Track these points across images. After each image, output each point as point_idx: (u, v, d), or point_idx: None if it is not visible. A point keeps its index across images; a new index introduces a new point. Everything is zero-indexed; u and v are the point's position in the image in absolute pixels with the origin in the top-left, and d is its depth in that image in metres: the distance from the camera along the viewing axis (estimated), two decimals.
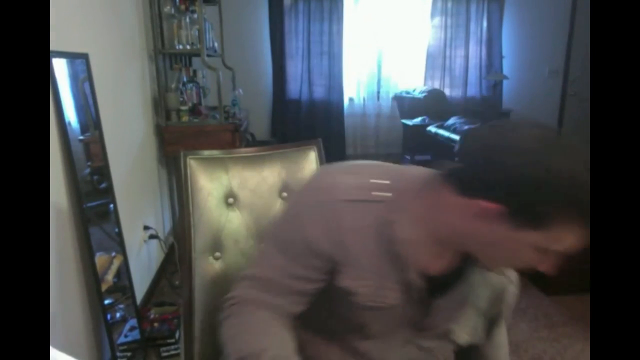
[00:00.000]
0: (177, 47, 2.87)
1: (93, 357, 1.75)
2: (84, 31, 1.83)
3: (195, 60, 3.43)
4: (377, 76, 4.89)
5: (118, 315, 1.93)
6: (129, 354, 1.92)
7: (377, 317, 0.78)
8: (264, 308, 0.77)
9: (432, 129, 4.13)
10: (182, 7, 2.88)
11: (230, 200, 1.13)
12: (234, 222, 1.13)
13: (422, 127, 4.34)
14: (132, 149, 2.42)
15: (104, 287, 1.75)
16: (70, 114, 1.61)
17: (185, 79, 3.06)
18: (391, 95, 4.96)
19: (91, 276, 1.69)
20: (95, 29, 1.96)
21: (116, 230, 1.92)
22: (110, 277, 1.82)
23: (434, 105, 4.47)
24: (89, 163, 1.75)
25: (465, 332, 0.83)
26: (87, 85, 1.77)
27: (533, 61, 5.02)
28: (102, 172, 1.85)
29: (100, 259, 1.73)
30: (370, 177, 0.77)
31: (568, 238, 0.64)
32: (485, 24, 4.86)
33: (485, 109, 4.73)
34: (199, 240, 1.09)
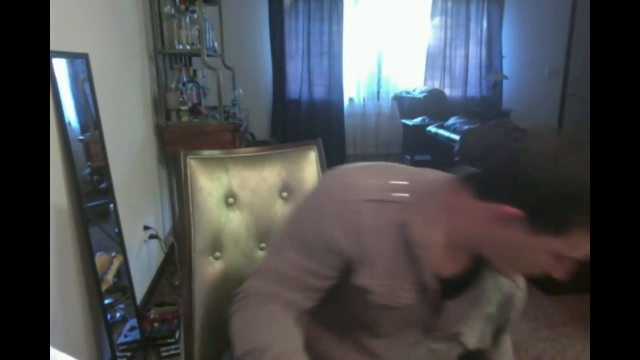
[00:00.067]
0: (177, 47, 2.87)
1: (93, 357, 1.75)
2: (84, 31, 1.83)
3: (195, 60, 3.43)
4: (377, 76, 4.89)
5: (118, 315, 1.93)
6: (129, 354, 1.92)
7: (389, 316, 0.78)
8: (276, 301, 0.77)
9: (432, 129, 4.13)
10: (182, 7, 2.88)
11: (230, 200, 1.13)
12: (234, 222, 1.13)
13: (422, 127, 4.34)
14: (132, 149, 2.42)
15: (104, 287, 1.75)
16: (70, 114, 1.61)
17: (185, 79, 3.06)
18: (391, 95, 4.96)
19: (91, 276, 1.69)
20: (95, 29, 1.95)
21: (116, 230, 1.92)
22: (110, 277, 1.81)
23: (434, 105, 4.47)
24: (89, 163, 1.75)
25: (473, 335, 0.84)
26: (87, 85, 1.77)
27: (533, 61, 5.02)
28: (102, 172, 1.85)
29: (100, 259, 1.73)
30: (389, 178, 0.77)
31: (586, 245, 0.64)
32: (485, 24, 4.86)
33: (485, 109, 4.73)
34: (199, 240, 1.09)
